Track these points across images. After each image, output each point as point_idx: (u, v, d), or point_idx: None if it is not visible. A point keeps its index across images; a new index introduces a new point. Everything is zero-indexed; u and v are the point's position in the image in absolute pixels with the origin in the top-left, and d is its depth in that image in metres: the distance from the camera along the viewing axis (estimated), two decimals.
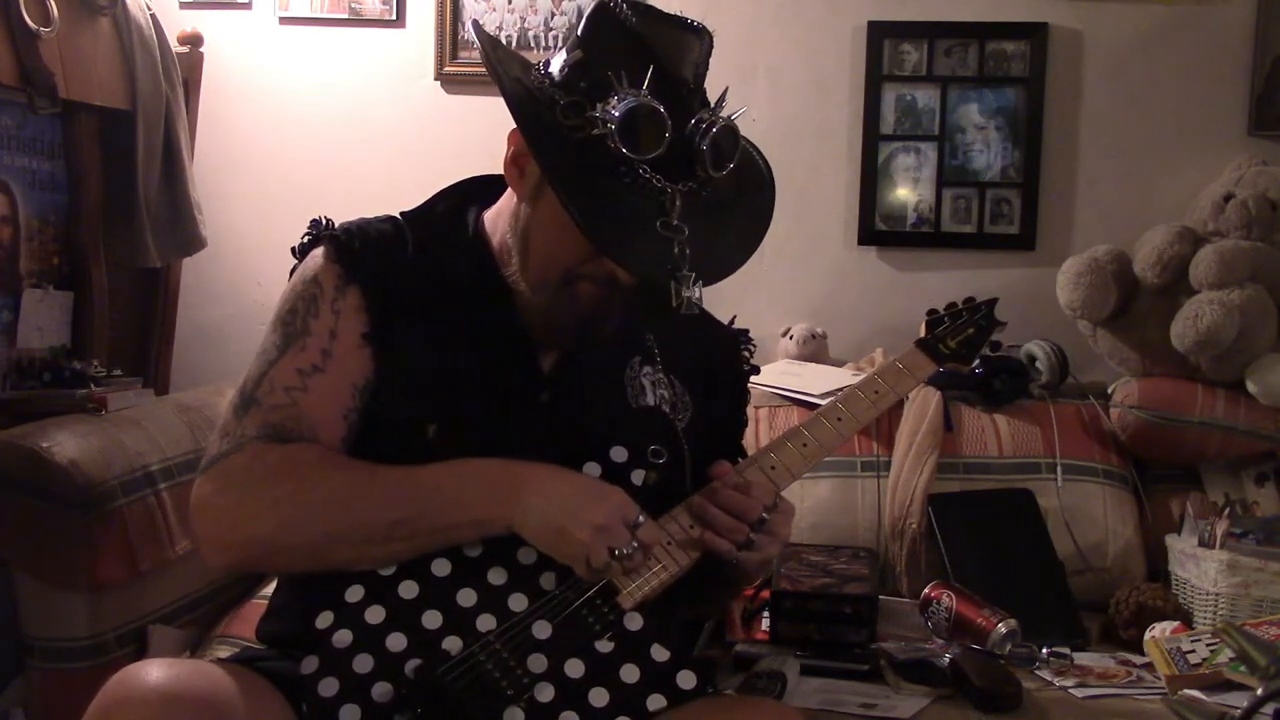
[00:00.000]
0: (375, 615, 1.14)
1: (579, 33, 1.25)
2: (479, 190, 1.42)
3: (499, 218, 1.36)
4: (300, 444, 1.22)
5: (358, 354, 1.28)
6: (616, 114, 1.17)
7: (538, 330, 1.33)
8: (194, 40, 2.48)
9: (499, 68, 1.24)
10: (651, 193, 1.20)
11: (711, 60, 1.27)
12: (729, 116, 1.24)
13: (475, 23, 1.45)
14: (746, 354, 1.53)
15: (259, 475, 1.20)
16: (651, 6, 1.25)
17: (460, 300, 1.33)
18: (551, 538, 1.18)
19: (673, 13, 1.25)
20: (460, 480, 1.21)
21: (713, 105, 1.25)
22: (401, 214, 1.39)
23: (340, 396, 1.27)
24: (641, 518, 1.21)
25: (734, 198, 1.28)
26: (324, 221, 1.35)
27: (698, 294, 1.17)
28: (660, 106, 1.18)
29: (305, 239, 1.36)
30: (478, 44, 1.32)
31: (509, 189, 1.35)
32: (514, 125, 1.30)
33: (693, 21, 1.24)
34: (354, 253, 1.31)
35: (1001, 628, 1.70)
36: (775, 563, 1.66)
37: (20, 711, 1.76)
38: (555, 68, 1.24)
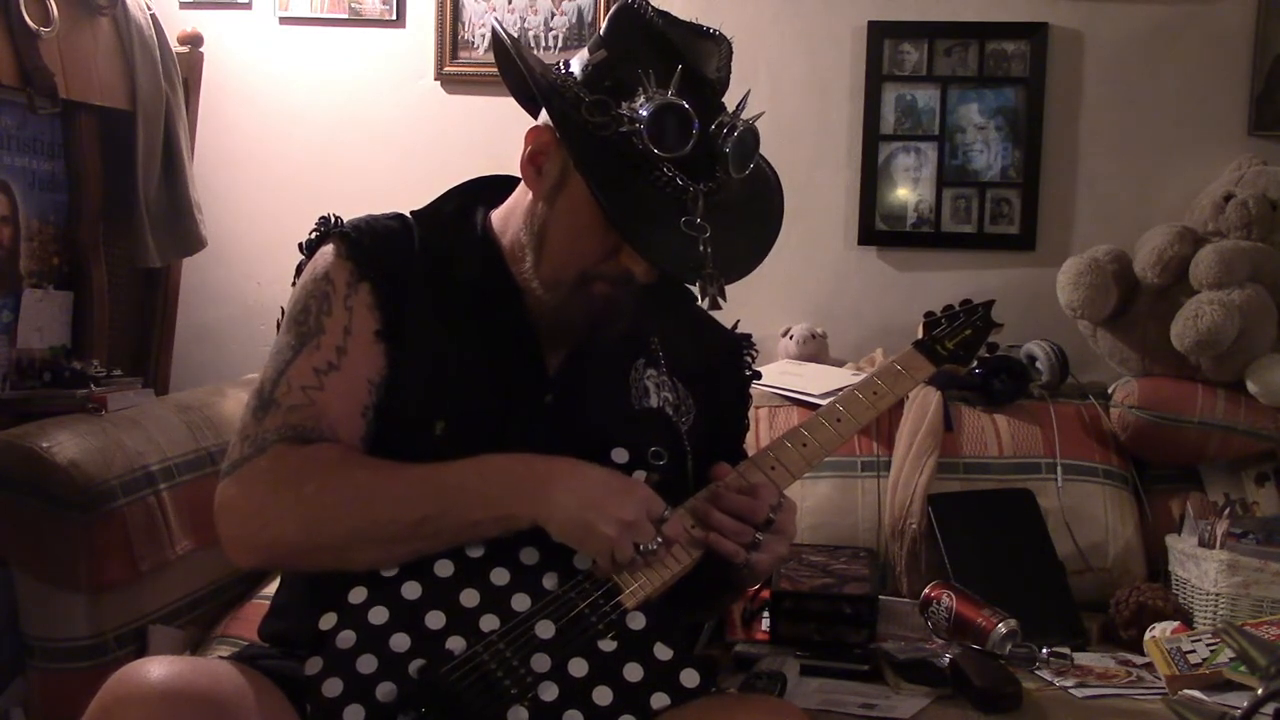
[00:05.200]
0: (378, 616, 1.14)
1: (601, 33, 1.27)
2: (486, 191, 1.42)
3: (509, 217, 1.36)
4: (322, 444, 1.23)
5: (371, 350, 1.28)
6: (644, 112, 1.19)
7: (546, 330, 1.34)
8: (194, 40, 2.48)
9: (527, 64, 1.25)
10: (674, 191, 1.21)
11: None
12: (749, 119, 1.25)
13: (497, 21, 1.46)
14: (749, 359, 1.53)
15: (282, 477, 1.20)
16: (668, 12, 1.27)
17: (468, 299, 1.33)
18: (578, 533, 1.18)
19: (689, 20, 1.27)
20: (484, 477, 1.21)
21: (732, 108, 1.26)
22: (411, 213, 1.39)
23: (357, 393, 1.27)
24: (667, 512, 1.22)
25: (744, 200, 1.29)
26: (333, 219, 1.36)
27: (722, 291, 1.19)
28: (687, 106, 1.20)
29: (313, 235, 1.36)
30: (493, 42, 1.33)
31: (518, 189, 1.36)
32: (518, 126, 1.32)
33: (710, 29, 1.27)
34: (365, 249, 1.31)
35: (1001, 628, 1.70)
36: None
37: (20, 711, 1.76)
38: (577, 67, 1.26)
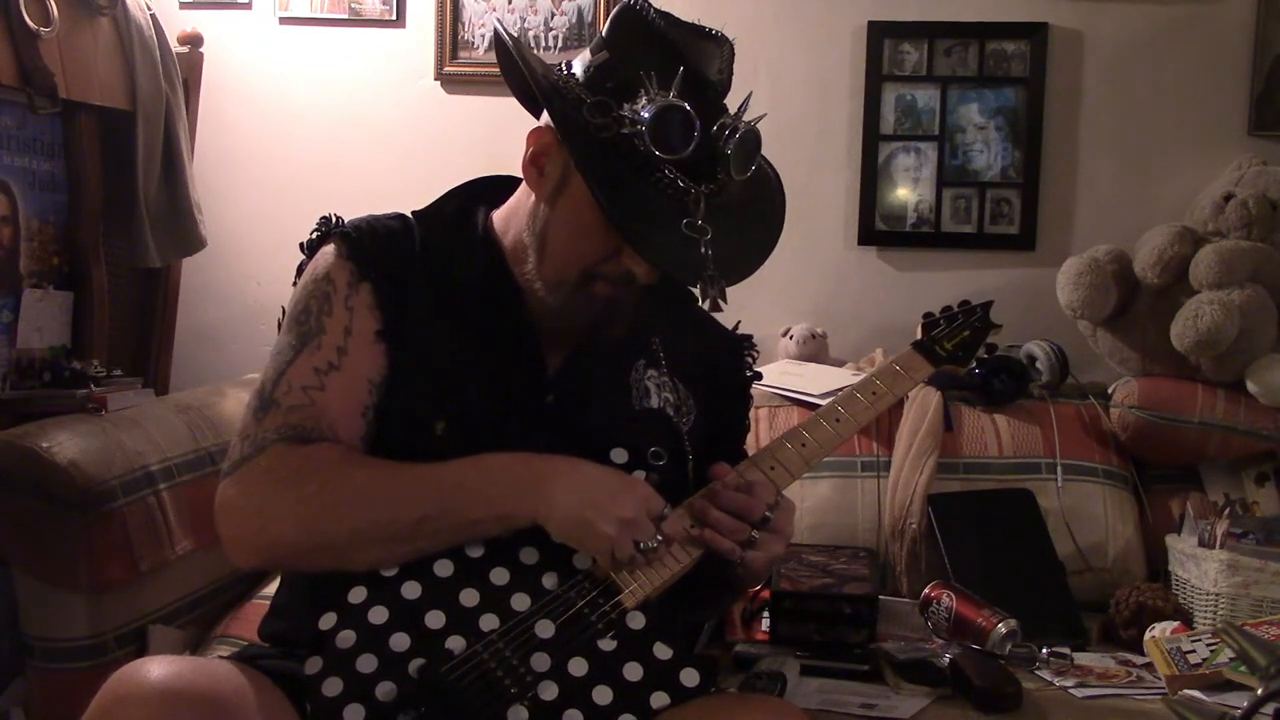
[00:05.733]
0: (378, 615, 1.14)
1: (603, 34, 1.27)
2: (487, 191, 1.42)
3: (512, 217, 1.36)
4: (321, 444, 1.23)
5: (372, 350, 1.28)
6: (646, 114, 1.19)
7: (547, 331, 1.34)
8: (194, 40, 2.48)
9: (528, 64, 1.25)
10: (676, 193, 1.22)
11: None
12: (751, 121, 1.25)
13: (498, 21, 1.47)
14: (750, 359, 1.53)
15: (282, 478, 1.20)
16: (669, 13, 1.27)
17: (468, 299, 1.33)
18: (578, 531, 1.19)
19: (691, 20, 1.27)
20: (483, 475, 1.21)
21: (734, 109, 1.26)
22: (412, 213, 1.39)
23: (357, 393, 1.27)
24: (667, 510, 1.22)
25: (746, 202, 1.30)
26: (334, 219, 1.36)
27: (723, 293, 1.19)
28: (689, 108, 1.20)
29: (314, 235, 1.36)
30: (495, 42, 1.34)
31: (520, 189, 1.36)
32: (518, 126, 1.32)
33: (712, 30, 1.27)
34: (366, 250, 1.31)
35: (1001, 628, 1.70)
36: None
37: (20, 711, 1.76)
38: (579, 69, 1.26)
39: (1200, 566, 1.87)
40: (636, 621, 1.19)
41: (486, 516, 1.19)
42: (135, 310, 2.39)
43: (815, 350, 2.44)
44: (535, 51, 2.50)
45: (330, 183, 2.62)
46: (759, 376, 1.56)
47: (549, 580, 1.20)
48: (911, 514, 2.03)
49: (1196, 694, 1.59)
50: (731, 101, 1.28)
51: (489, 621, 1.16)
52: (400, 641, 1.13)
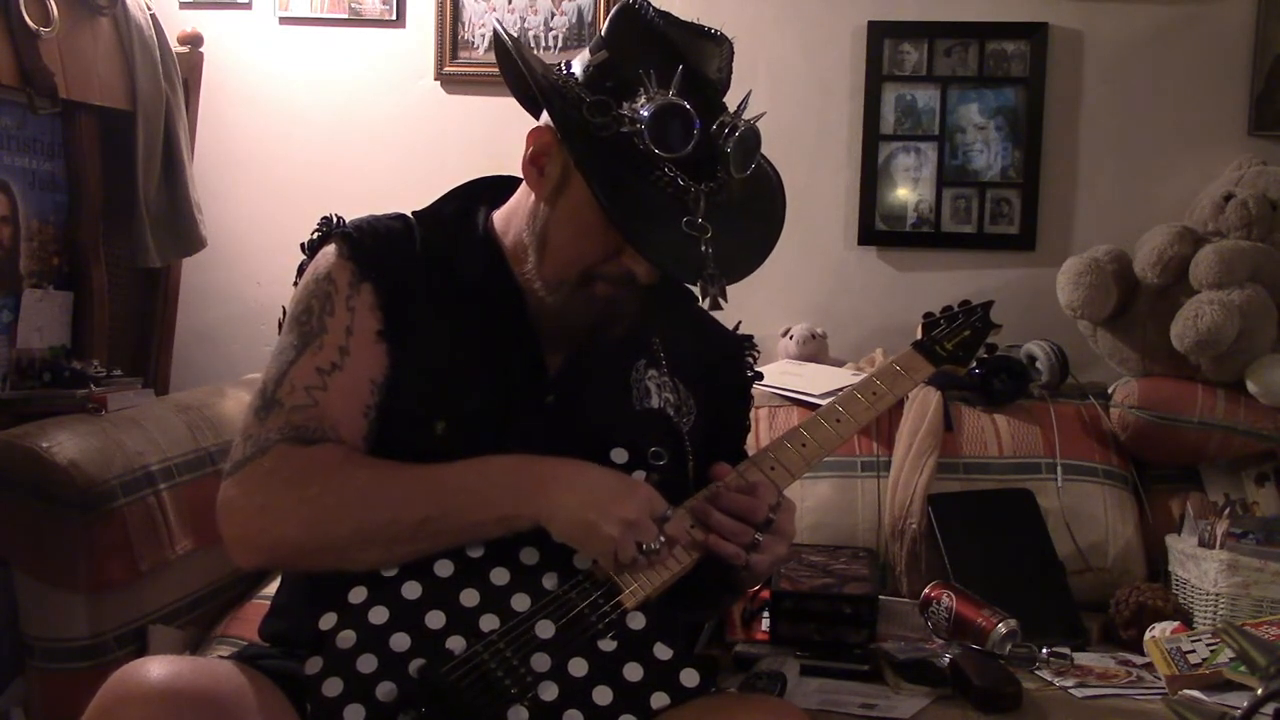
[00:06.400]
0: (379, 616, 1.14)
1: (603, 34, 1.27)
2: (487, 191, 1.43)
3: (512, 218, 1.36)
4: (324, 445, 1.23)
5: (374, 350, 1.28)
6: (646, 113, 1.19)
7: (547, 331, 1.34)
8: (194, 40, 2.49)
9: (528, 64, 1.25)
10: (676, 192, 1.22)
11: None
12: (750, 120, 1.25)
13: (498, 21, 1.47)
14: (750, 359, 1.53)
15: (284, 478, 1.20)
16: (669, 12, 1.27)
17: (469, 299, 1.33)
18: (580, 533, 1.19)
19: (690, 20, 1.27)
20: (485, 478, 1.21)
21: (734, 108, 1.26)
22: (412, 213, 1.39)
23: (360, 393, 1.27)
24: (669, 511, 1.22)
25: (746, 200, 1.30)
26: (335, 219, 1.36)
27: (723, 292, 1.19)
28: (689, 106, 1.20)
29: (315, 235, 1.36)
30: (495, 42, 1.34)
31: (520, 189, 1.36)
32: (518, 126, 1.32)
33: (711, 29, 1.27)
34: (367, 250, 1.31)
35: (1001, 628, 1.70)
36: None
37: (20, 711, 1.76)
38: (578, 68, 1.26)
39: (1200, 566, 1.87)
40: (637, 622, 1.19)
41: (488, 518, 1.19)
42: (135, 310, 2.39)
43: (815, 350, 2.45)
44: (535, 51, 2.51)
45: (330, 183, 2.62)
46: (759, 376, 1.56)
47: (549, 581, 1.20)
48: (911, 514, 2.03)
49: (1196, 694, 1.59)
50: (731, 100, 1.28)
51: (489, 622, 1.16)
52: (400, 641, 1.13)
